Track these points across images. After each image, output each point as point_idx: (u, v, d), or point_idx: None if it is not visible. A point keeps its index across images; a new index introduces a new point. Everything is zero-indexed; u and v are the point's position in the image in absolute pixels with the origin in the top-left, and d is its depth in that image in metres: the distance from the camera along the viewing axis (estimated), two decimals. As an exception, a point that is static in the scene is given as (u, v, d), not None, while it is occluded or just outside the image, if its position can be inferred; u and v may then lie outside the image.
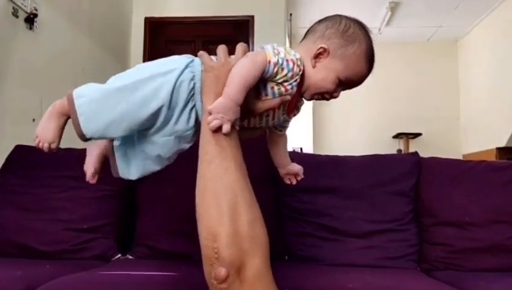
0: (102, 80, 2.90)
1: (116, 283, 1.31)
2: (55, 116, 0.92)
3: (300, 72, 0.88)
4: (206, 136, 0.82)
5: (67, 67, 3.01)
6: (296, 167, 1.08)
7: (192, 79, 0.88)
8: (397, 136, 6.52)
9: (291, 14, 5.37)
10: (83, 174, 1.78)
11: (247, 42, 4.62)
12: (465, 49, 6.57)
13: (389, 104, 6.60)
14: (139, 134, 0.94)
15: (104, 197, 1.75)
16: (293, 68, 0.86)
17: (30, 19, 2.49)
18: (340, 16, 0.93)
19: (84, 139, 0.91)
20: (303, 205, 1.73)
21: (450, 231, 1.65)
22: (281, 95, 0.89)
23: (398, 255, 1.64)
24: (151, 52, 4.34)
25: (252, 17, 4.25)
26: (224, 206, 0.75)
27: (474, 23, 6.05)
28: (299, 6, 5.42)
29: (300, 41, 0.96)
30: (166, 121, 0.89)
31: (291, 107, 0.94)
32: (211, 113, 0.80)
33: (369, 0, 5.35)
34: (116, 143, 1.01)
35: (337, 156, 1.86)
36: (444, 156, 1.86)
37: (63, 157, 1.91)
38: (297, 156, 2.02)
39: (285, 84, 0.88)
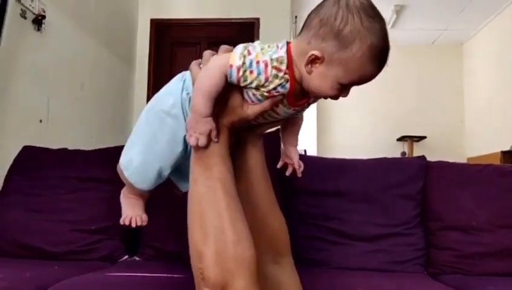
0: (109, 80, 2.93)
1: (123, 284, 1.32)
2: (132, 199, 1.05)
3: (282, 74, 0.78)
4: (192, 155, 0.82)
5: (74, 68, 3.02)
6: (295, 154, 0.96)
7: (190, 100, 0.89)
8: (401, 138, 6.50)
9: (296, 17, 5.37)
10: (90, 175, 1.80)
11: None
12: (470, 53, 6.55)
13: (394, 107, 6.58)
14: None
15: (112, 198, 1.75)
16: (265, 70, 0.77)
17: (38, 20, 2.50)
18: (338, 1, 0.76)
19: (148, 191, 1.03)
20: (310, 208, 1.73)
21: (457, 235, 1.64)
22: (267, 98, 0.81)
23: (405, 259, 1.64)
24: (157, 54, 4.34)
25: (258, 19, 4.25)
26: (208, 226, 0.74)
27: (480, 26, 6.04)
28: (305, 9, 5.41)
29: (299, 33, 0.82)
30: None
31: (292, 101, 0.84)
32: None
33: (374, 2, 5.33)
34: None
35: (344, 159, 1.86)
36: (448, 160, 1.86)
37: (71, 158, 1.93)
38: (304, 159, 2.02)
39: (263, 89, 0.79)
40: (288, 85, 0.79)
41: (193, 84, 0.85)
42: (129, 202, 1.03)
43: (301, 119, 0.96)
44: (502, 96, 5.46)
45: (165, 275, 1.40)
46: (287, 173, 0.98)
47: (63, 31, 2.84)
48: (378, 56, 0.76)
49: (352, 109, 6.42)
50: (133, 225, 1.03)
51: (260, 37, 4.16)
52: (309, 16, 0.79)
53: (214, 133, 0.80)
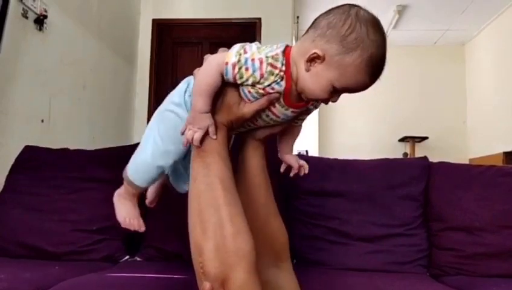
0: (111, 80, 2.93)
1: (124, 284, 1.31)
2: (127, 202, 1.09)
3: (278, 71, 0.80)
4: (193, 154, 0.85)
5: (75, 68, 3.02)
6: (292, 160, 1.00)
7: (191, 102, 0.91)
8: (403, 139, 6.49)
9: (298, 17, 5.37)
10: (92, 175, 1.80)
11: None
12: (472, 53, 6.53)
13: (396, 107, 6.58)
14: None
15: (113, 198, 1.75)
16: (260, 67, 0.80)
17: (40, 20, 2.50)
18: (349, 9, 0.80)
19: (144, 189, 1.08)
20: (312, 208, 1.73)
21: (459, 236, 1.63)
22: (262, 96, 0.83)
23: (407, 260, 1.63)
24: (159, 54, 4.35)
25: (259, 19, 4.24)
26: (207, 222, 0.76)
27: (482, 26, 6.02)
28: (306, 9, 5.42)
29: (304, 33, 0.86)
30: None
31: (289, 101, 0.86)
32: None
33: (376, 2, 5.31)
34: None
35: (346, 160, 1.85)
36: (450, 160, 1.85)
37: (72, 158, 1.92)
38: (306, 160, 2.01)
39: (259, 86, 0.81)
40: (283, 83, 0.82)
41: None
42: (123, 204, 1.06)
43: (298, 129, 1.00)
44: (504, 96, 5.45)
45: (166, 275, 1.40)
46: (291, 175, 1.02)
47: (65, 31, 2.84)
48: (374, 68, 0.80)
49: (354, 109, 6.42)
50: (132, 229, 1.05)
51: (262, 37, 4.15)
52: (317, 18, 0.83)
53: (211, 129, 0.82)
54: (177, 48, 4.39)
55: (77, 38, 3.04)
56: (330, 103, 0.87)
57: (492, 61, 5.87)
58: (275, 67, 0.80)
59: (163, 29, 4.39)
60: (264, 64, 0.80)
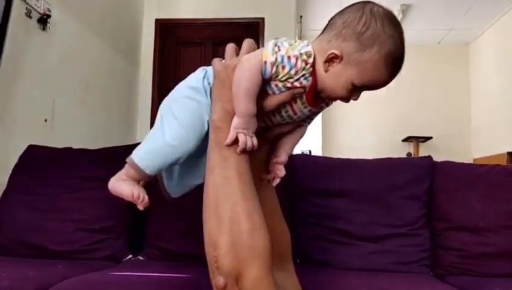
0: (114, 80, 2.92)
1: (127, 283, 1.31)
2: (129, 181, 0.94)
3: (309, 66, 0.81)
4: (210, 145, 0.82)
5: (79, 68, 3.02)
6: (282, 160, 0.94)
7: (210, 90, 0.89)
8: (407, 139, 6.47)
9: (301, 17, 5.36)
10: (95, 175, 1.80)
11: (257, 44, 4.58)
12: (476, 53, 6.51)
13: (399, 107, 6.56)
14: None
15: (116, 197, 1.75)
16: (295, 64, 0.80)
17: (43, 20, 2.50)
18: (363, 6, 0.81)
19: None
20: (315, 208, 1.72)
21: (463, 235, 1.63)
22: (288, 89, 0.83)
23: (410, 260, 1.62)
24: (162, 54, 4.35)
25: (262, 19, 4.24)
26: (223, 216, 0.75)
27: (486, 26, 6.00)
28: (309, 9, 5.41)
29: (320, 34, 0.86)
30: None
31: (310, 99, 0.86)
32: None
33: (380, 2, 5.31)
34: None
35: (350, 159, 1.84)
36: (454, 160, 1.84)
37: (75, 157, 1.93)
38: (310, 159, 2.02)
39: (290, 80, 0.82)
40: (310, 79, 0.82)
41: (214, 77, 0.86)
42: (125, 182, 0.93)
43: (304, 130, 0.96)
44: (508, 96, 5.42)
45: (169, 274, 1.40)
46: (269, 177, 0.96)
47: (68, 31, 2.85)
48: (393, 63, 0.81)
49: (358, 109, 6.40)
50: (140, 201, 0.93)
51: (265, 37, 4.15)
52: (332, 18, 0.83)
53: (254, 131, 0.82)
54: (180, 48, 4.39)
55: (80, 38, 3.05)
56: (347, 101, 0.87)
57: (497, 61, 5.85)
58: (307, 63, 0.80)
59: (166, 29, 4.39)
60: (299, 61, 0.80)
